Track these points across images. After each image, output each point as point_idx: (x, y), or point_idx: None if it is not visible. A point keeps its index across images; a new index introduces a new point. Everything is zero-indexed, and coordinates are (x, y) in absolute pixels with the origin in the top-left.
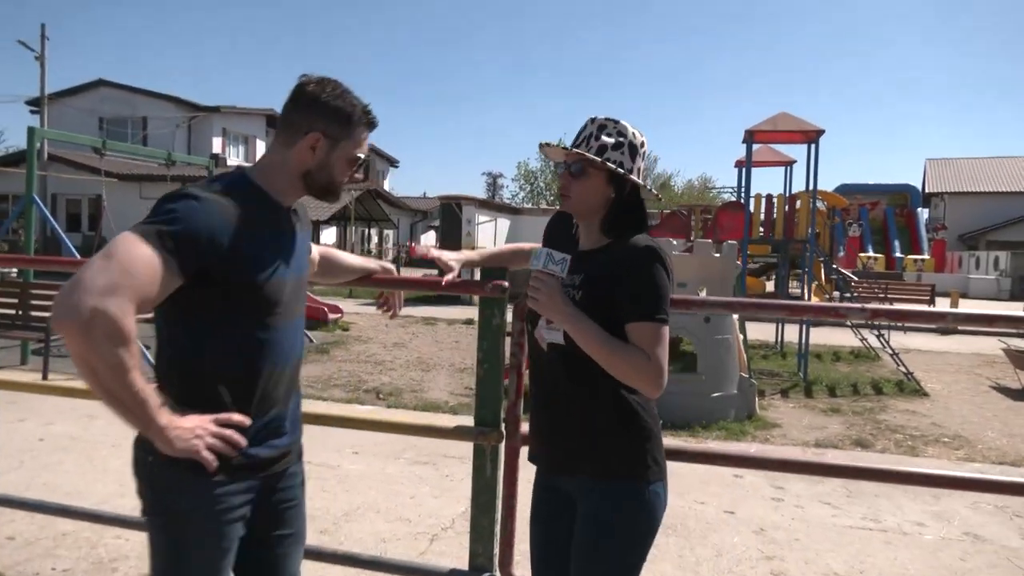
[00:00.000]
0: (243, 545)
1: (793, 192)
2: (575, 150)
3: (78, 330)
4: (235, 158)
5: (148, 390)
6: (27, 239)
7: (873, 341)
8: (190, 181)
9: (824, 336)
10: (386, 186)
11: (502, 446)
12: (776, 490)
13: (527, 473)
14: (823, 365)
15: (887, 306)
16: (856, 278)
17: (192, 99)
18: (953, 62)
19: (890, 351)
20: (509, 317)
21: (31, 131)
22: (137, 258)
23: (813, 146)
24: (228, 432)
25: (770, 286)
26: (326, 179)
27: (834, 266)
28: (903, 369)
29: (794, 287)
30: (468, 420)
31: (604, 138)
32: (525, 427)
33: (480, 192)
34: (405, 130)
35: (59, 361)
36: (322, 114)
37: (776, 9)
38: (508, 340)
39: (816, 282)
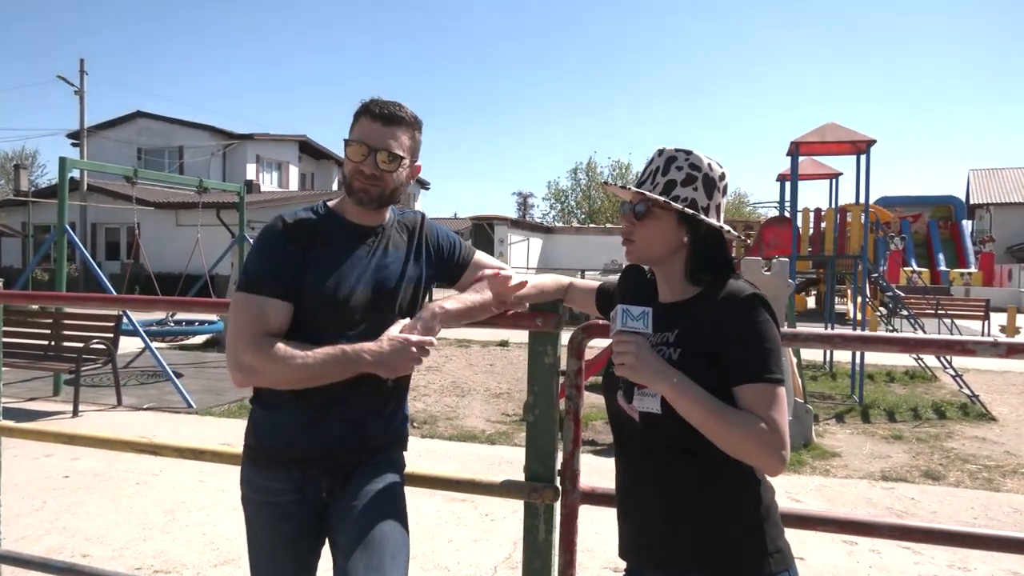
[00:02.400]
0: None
1: (841, 205)
2: (637, 189)
3: (243, 380)
4: (269, 184)
5: (321, 354)
6: (59, 270)
7: (930, 360)
8: (222, 207)
9: (874, 355)
10: (417, 208)
11: (558, 505)
12: None
13: (587, 537)
14: (877, 387)
15: (1013, 339)
16: (904, 294)
17: (226, 127)
18: (993, 68)
19: (952, 372)
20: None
21: (62, 161)
22: (242, 309)
23: (863, 157)
24: (417, 339)
25: (810, 302)
26: (346, 181)
27: (883, 282)
28: (967, 392)
29: (838, 304)
30: (507, 451)
31: (673, 173)
32: (584, 483)
33: (511, 212)
34: (436, 151)
35: (90, 391)
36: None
37: (790, 18)
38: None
39: (866, 299)
